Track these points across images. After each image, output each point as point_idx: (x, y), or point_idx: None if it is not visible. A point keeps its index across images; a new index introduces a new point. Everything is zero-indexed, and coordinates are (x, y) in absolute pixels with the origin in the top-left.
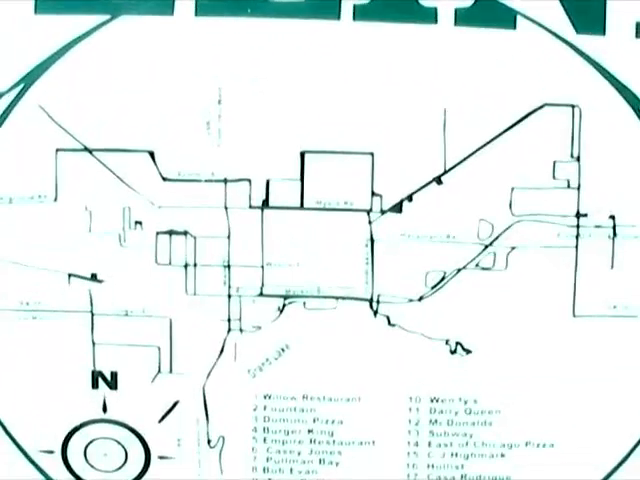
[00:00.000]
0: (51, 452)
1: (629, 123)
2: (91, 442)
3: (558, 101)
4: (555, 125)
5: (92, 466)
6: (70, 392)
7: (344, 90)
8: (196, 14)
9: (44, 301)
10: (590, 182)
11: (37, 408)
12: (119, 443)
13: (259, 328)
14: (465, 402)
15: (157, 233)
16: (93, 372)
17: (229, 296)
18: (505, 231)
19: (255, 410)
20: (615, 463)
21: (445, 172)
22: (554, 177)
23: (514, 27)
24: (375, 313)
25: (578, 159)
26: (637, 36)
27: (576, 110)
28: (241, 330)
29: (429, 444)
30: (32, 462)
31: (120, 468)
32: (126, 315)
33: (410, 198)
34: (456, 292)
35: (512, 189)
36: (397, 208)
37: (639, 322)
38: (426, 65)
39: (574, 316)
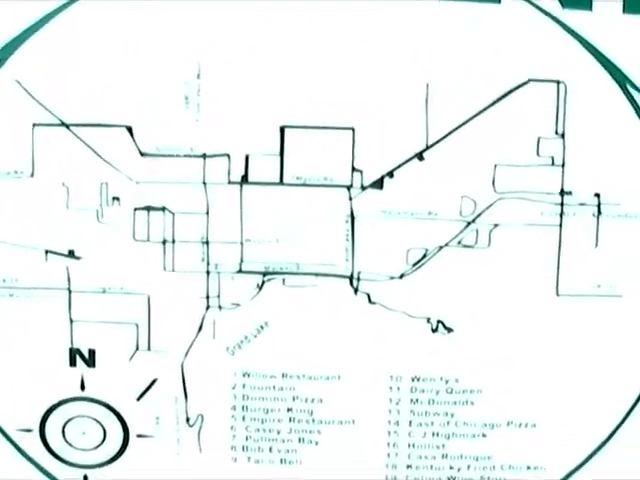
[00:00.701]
0: (29, 430)
1: (615, 100)
2: (69, 420)
3: (543, 77)
4: (540, 101)
5: (70, 444)
6: (48, 370)
7: (325, 64)
8: None
9: (21, 278)
10: (575, 159)
11: (15, 386)
12: (97, 421)
13: (238, 305)
14: (446, 381)
15: (135, 209)
16: (71, 350)
17: (208, 273)
18: (488, 208)
19: (234, 388)
20: (598, 443)
21: (427, 148)
22: (538, 154)
23: (499, 1)
24: (355, 291)
25: (563, 136)
26: (624, 12)
27: (561, 86)
28: (220, 307)
29: (410, 423)
30: (10, 440)
31: (98, 446)
32: (104, 292)
33: (391, 174)
34: (438, 270)
35: (495, 166)
36: (378, 184)
37: (623, 301)
38: (409, 39)
39: (558, 295)
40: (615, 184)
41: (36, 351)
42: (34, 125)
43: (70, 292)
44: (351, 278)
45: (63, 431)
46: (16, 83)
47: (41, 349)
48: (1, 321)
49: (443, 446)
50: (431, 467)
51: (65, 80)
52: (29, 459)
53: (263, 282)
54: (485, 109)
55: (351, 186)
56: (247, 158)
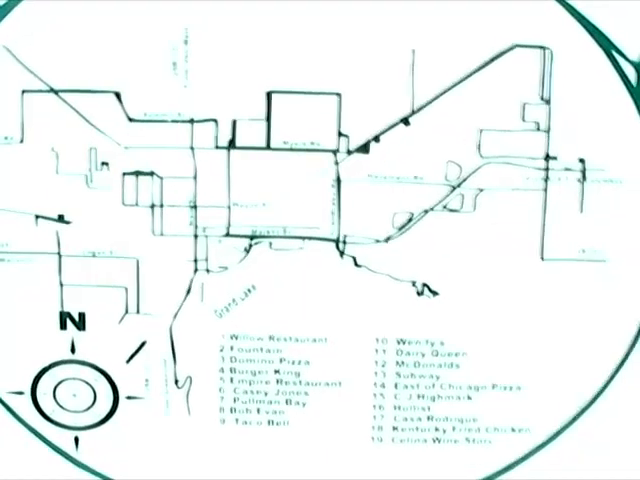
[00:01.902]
0: (21, 393)
1: (600, 66)
2: (60, 383)
3: (528, 43)
4: (525, 67)
5: (61, 407)
6: (39, 333)
7: (311, 30)
8: None
9: (12, 243)
10: (560, 125)
11: (6, 350)
12: (87, 384)
13: (226, 268)
14: (432, 344)
15: (124, 174)
16: (61, 313)
17: (195, 236)
18: (473, 173)
19: (222, 350)
20: (582, 406)
21: (413, 113)
22: (523, 119)
23: None
24: (341, 254)
25: (548, 102)
26: None
27: (547, 52)
28: (208, 270)
29: (395, 386)
30: (2, 403)
31: (89, 408)
32: (93, 256)
33: (377, 139)
34: (423, 234)
35: (480, 131)
36: (364, 149)
37: (608, 266)
38: (395, 5)
39: (542, 259)
40: (600, 150)
41: (27, 315)
42: (23, 91)
43: (60, 256)
44: (337, 241)
45: (54, 393)
46: (5, 50)
47: (32, 313)
48: None
49: (428, 408)
50: (416, 429)
51: (54, 47)
52: (21, 421)
53: (250, 245)
54: (470, 75)
55: (337, 151)
56: (234, 123)
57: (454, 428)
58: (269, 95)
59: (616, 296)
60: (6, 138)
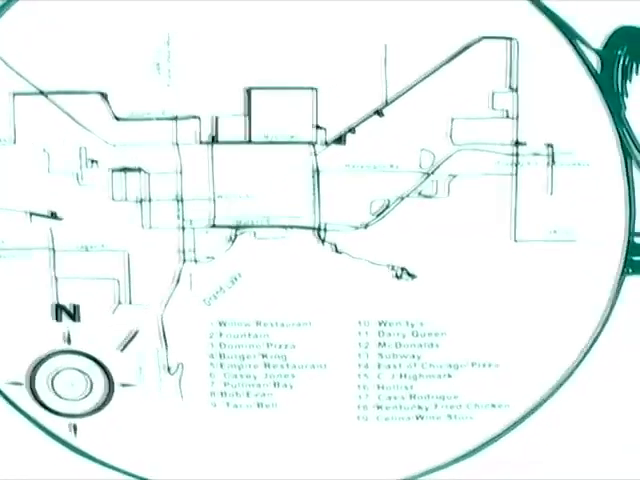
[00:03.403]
0: (19, 384)
1: (565, 55)
2: (57, 373)
3: (495, 34)
4: (493, 58)
5: (59, 395)
6: (35, 326)
7: (287, 28)
8: None
9: (7, 240)
10: (527, 112)
11: (3, 342)
12: (83, 373)
13: (212, 258)
14: (412, 325)
15: (112, 170)
16: (56, 306)
17: (183, 228)
18: (446, 160)
19: (211, 337)
20: (558, 381)
21: (386, 104)
22: (492, 107)
23: None
24: (322, 241)
25: (515, 90)
26: None
27: (513, 43)
28: (195, 261)
29: (378, 366)
30: (1, 393)
31: (85, 397)
32: (86, 250)
33: (353, 130)
34: (400, 219)
35: (452, 119)
36: (341, 140)
37: (578, 246)
38: (367, 3)
39: (515, 241)
40: (567, 134)
41: (23, 308)
42: (14, 94)
43: (54, 251)
44: (318, 229)
45: (51, 383)
46: None
47: (28, 306)
48: None
49: (411, 387)
50: (400, 407)
51: (42, 51)
52: (20, 411)
53: (235, 235)
54: (441, 66)
55: (315, 142)
56: (216, 119)
57: (436, 405)
58: (249, 91)
59: (586, 274)
60: None
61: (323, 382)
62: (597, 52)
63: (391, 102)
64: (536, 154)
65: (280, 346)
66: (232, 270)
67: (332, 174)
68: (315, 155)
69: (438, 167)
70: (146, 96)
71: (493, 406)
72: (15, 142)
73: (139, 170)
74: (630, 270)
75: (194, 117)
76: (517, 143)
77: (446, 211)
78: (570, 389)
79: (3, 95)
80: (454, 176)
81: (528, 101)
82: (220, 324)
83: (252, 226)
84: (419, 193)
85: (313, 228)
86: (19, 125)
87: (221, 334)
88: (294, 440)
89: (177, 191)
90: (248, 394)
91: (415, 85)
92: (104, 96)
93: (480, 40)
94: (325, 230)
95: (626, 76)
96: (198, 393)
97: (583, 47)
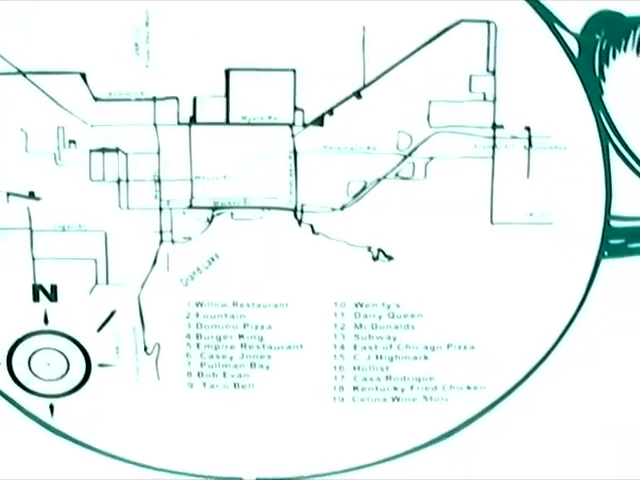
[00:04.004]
0: None
1: (543, 38)
2: (34, 353)
3: (474, 17)
4: (471, 40)
5: (36, 376)
6: (12, 306)
7: (267, 9)
8: None
9: None
10: (505, 95)
11: None
12: (61, 353)
13: (190, 239)
14: (388, 307)
15: (90, 151)
16: (34, 286)
17: (160, 209)
18: (423, 142)
19: (188, 317)
20: (534, 363)
21: (364, 86)
22: (470, 90)
23: None
24: (299, 222)
25: (494, 73)
26: None
27: (492, 26)
28: (172, 241)
29: (354, 347)
30: None
31: (63, 377)
32: (63, 230)
33: (331, 112)
34: (377, 201)
35: (430, 102)
36: (319, 122)
37: (554, 228)
38: None
39: (492, 223)
40: (544, 118)
41: (1, 288)
42: None
43: (31, 231)
44: (295, 210)
45: (29, 363)
46: None
47: (5, 286)
48: None
49: (387, 368)
50: (376, 388)
51: (20, 30)
52: None
53: (213, 216)
54: (419, 49)
55: (293, 124)
56: (195, 100)
57: (412, 387)
58: (227, 72)
59: (563, 256)
60: None
61: (299, 363)
62: (575, 36)
63: (369, 84)
64: (514, 137)
65: (257, 327)
66: (209, 251)
67: (310, 155)
68: (293, 136)
69: (415, 149)
70: (125, 77)
71: (469, 388)
72: None
73: (117, 150)
74: (606, 253)
75: (173, 98)
76: (495, 126)
77: (423, 193)
78: (546, 372)
79: None
80: (431, 158)
81: (506, 84)
82: (197, 305)
83: (229, 207)
84: (396, 175)
85: (290, 209)
86: None
87: (198, 315)
88: (270, 420)
89: (155, 172)
90: (225, 374)
91: (393, 67)
92: (83, 76)
93: (459, 23)
94: (302, 211)
95: (604, 60)
96: (175, 373)
97: (562, 31)
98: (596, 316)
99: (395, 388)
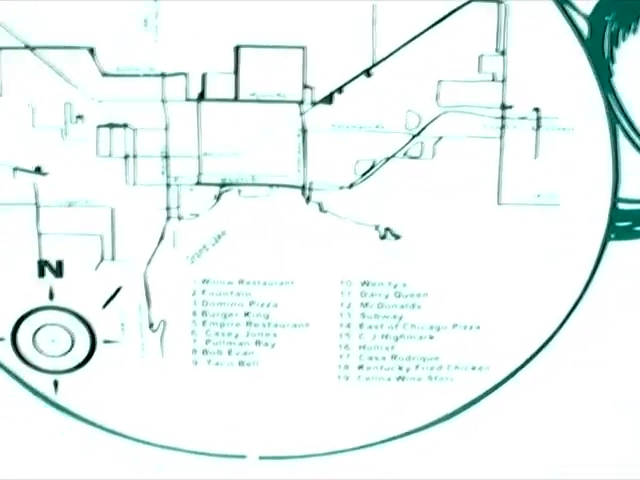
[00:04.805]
0: (1, 340)
1: (553, 18)
2: (39, 328)
3: None
4: (482, 20)
5: (41, 352)
6: (18, 281)
7: None
8: None
9: None
10: (515, 75)
11: None
12: (66, 329)
13: (197, 216)
14: (394, 286)
15: (98, 126)
16: (39, 261)
17: (168, 185)
18: (432, 122)
19: (194, 294)
20: (539, 345)
21: (374, 65)
22: (480, 70)
23: None
24: (307, 200)
25: (503, 53)
26: None
27: (502, 6)
28: (179, 218)
29: (360, 326)
30: None
31: (67, 352)
32: (70, 206)
33: (340, 90)
34: (385, 180)
35: (439, 81)
36: (328, 100)
37: (561, 210)
38: None
39: (499, 204)
40: (553, 99)
41: (6, 264)
42: (0, 48)
43: (38, 207)
44: (303, 188)
45: (34, 339)
46: None
47: (11, 262)
48: None
49: (392, 347)
50: (381, 367)
51: (29, 5)
52: (2, 367)
53: (220, 193)
54: (429, 28)
55: (302, 102)
56: (204, 76)
57: (417, 366)
58: (237, 49)
59: (569, 237)
60: None
61: (305, 341)
62: (586, 18)
63: (379, 63)
64: (522, 118)
65: (262, 305)
66: (216, 228)
67: (318, 133)
68: (302, 114)
69: (424, 129)
70: (133, 52)
71: (474, 368)
72: (0, 96)
73: (125, 126)
74: (613, 236)
75: (182, 74)
76: (504, 106)
77: (431, 173)
78: (551, 353)
79: None
80: (440, 138)
81: (516, 65)
82: (203, 282)
83: (237, 184)
84: (404, 154)
85: (298, 187)
86: (4, 79)
87: (204, 292)
88: (275, 398)
89: (163, 148)
90: (230, 352)
91: (403, 46)
92: (91, 51)
93: (470, 2)
94: (310, 189)
95: (614, 42)
96: (180, 350)
97: (572, 12)
98: (602, 298)
99: (400, 367)
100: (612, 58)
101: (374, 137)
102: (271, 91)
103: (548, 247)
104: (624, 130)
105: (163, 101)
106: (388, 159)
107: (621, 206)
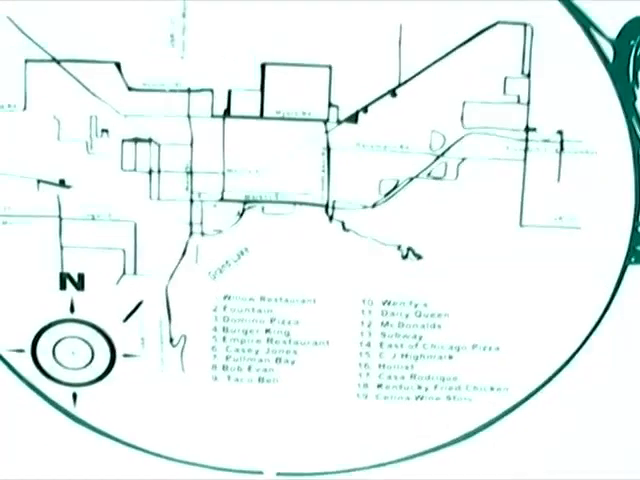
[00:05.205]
0: (21, 351)
1: (578, 41)
2: (59, 341)
3: (511, 19)
4: (507, 43)
5: (60, 364)
6: (39, 293)
7: (304, 5)
8: None
9: (14, 206)
10: (539, 98)
11: (7, 309)
12: (86, 342)
13: (220, 232)
14: (415, 305)
15: (123, 140)
16: (61, 274)
17: (191, 201)
18: (456, 143)
19: (215, 310)
20: (557, 366)
21: (400, 85)
22: (505, 92)
23: None
24: (330, 218)
25: (528, 76)
26: None
27: (528, 28)
28: (202, 233)
29: (380, 345)
30: (3, 360)
31: (87, 366)
32: (93, 219)
33: (365, 109)
34: (408, 200)
35: (464, 103)
36: (353, 119)
37: (582, 233)
38: None
39: (521, 226)
40: (577, 122)
41: (28, 276)
42: (26, 61)
43: (61, 219)
44: (326, 207)
45: (53, 351)
46: (8, 20)
47: (33, 274)
48: None
49: (412, 367)
50: (400, 387)
51: (56, 17)
52: (21, 378)
53: (243, 210)
54: (455, 49)
55: (327, 120)
56: (230, 93)
57: (436, 386)
58: (263, 66)
59: (589, 260)
60: (9, 106)
61: (325, 359)
62: (611, 41)
63: (404, 83)
64: (546, 140)
65: (284, 322)
66: (239, 244)
67: (343, 152)
68: (327, 133)
69: (448, 149)
70: (160, 67)
71: (492, 389)
72: (26, 108)
73: (150, 141)
74: (633, 259)
75: (207, 90)
76: (527, 129)
77: (454, 193)
78: (569, 375)
79: (15, 61)
80: (463, 159)
81: (540, 87)
82: (225, 298)
83: (261, 201)
84: (428, 174)
85: (321, 205)
86: (30, 92)
87: (225, 308)
88: (294, 415)
89: (187, 163)
90: (250, 368)
91: (429, 67)
92: (118, 66)
93: (495, 24)
94: (333, 208)
95: (638, 66)
96: (200, 366)
97: (597, 36)
98: (621, 322)
99: (419, 387)
100: (637, 82)
101: (398, 157)
102: (296, 109)
103: (568, 269)
104: None
105: (188, 117)
106: (412, 179)
107: None
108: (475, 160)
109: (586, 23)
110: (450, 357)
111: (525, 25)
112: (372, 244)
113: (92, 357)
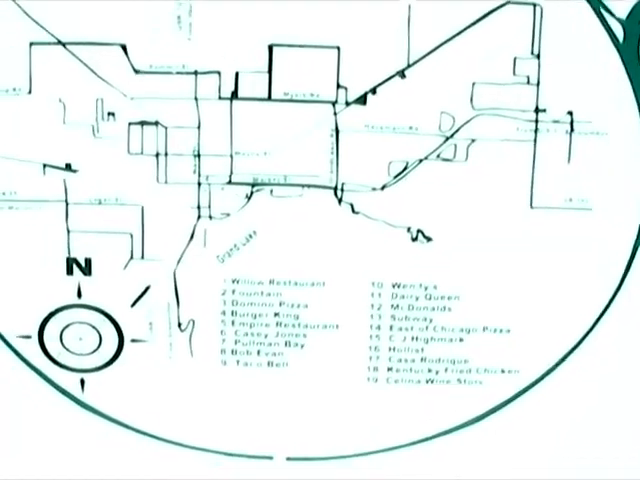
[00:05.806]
0: (28, 337)
1: (588, 22)
2: (66, 327)
3: (520, 0)
4: (517, 23)
5: (68, 350)
6: (46, 279)
7: None
8: None
9: (20, 191)
10: (549, 79)
11: (14, 295)
12: (93, 327)
13: (228, 215)
14: (425, 288)
15: (129, 124)
16: (68, 259)
17: (199, 184)
18: (466, 124)
19: (224, 294)
20: (568, 348)
21: (409, 66)
22: (514, 73)
23: None
24: (339, 201)
25: (538, 56)
26: None
27: (537, 9)
28: (210, 217)
29: (390, 328)
30: (10, 347)
31: (94, 351)
32: (99, 204)
33: (374, 91)
34: (418, 182)
35: (473, 84)
36: (362, 100)
37: (593, 214)
38: None
39: (531, 207)
40: (587, 103)
41: (35, 261)
42: (31, 44)
43: (67, 204)
44: (335, 189)
45: (61, 337)
46: (13, 3)
47: (39, 259)
48: (1, 232)
49: (422, 350)
50: (410, 370)
51: (62, 0)
52: (28, 364)
53: (252, 193)
54: (464, 30)
55: (336, 102)
56: (237, 75)
57: (446, 369)
58: (270, 48)
59: (600, 242)
60: (14, 89)
61: (334, 342)
62: (621, 22)
63: (413, 64)
64: (556, 121)
65: (293, 305)
66: (247, 227)
67: (352, 134)
68: (335, 114)
69: (458, 131)
70: (166, 49)
71: (503, 371)
72: (31, 92)
73: (156, 124)
74: None
75: (214, 72)
76: (537, 110)
77: (464, 175)
78: (580, 357)
79: (20, 44)
80: (473, 140)
81: (550, 68)
82: (233, 282)
83: (269, 184)
84: (438, 156)
85: (330, 188)
86: (35, 75)
87: (234, 292)
88: (303, 400)
89: (195, 146)
90: (259, 352)
91: (438, 48)
92: (124, 48)
93: (505, 5)
94: (342, 190)
95: None
96: (208, 350)
97: (607, 16)
98: (632, 303)
99: (429, 370)
100: None
101: (407, 138)
102: (304, 91)
103: (579, 251)
104: None
105: (195, 99)
106: (421, 161)
107: None
108: (485, 141)
109: (596, 3)
110: (460, 340)
111: (535, 5)
112: (381, 226)
113: (100, 343)
